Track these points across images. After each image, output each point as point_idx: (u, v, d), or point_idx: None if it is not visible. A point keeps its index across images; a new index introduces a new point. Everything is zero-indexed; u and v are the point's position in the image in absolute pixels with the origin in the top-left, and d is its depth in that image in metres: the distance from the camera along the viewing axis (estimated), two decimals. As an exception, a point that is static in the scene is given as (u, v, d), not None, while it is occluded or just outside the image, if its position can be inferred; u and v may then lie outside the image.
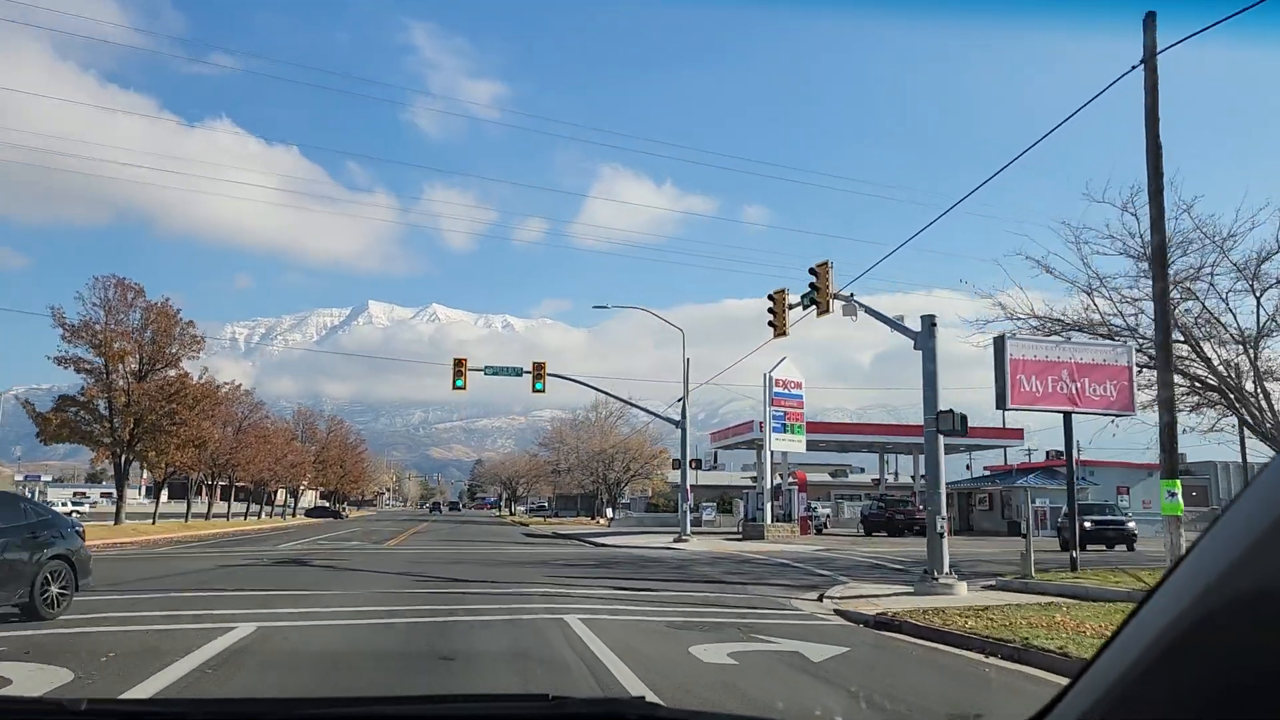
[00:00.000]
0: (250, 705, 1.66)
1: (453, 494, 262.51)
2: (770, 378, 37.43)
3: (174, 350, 40.42)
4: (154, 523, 43.19)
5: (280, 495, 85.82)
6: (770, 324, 23.42)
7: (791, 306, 23.43)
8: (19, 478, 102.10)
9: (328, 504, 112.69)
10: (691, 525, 36.30)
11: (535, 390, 34.30)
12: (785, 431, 37.50)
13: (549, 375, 34.82)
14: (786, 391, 37.79)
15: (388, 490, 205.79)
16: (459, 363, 33.87)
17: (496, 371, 35.16)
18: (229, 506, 63.63)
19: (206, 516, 52.79)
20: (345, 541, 33.35)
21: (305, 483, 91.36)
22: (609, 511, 66.38)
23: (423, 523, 67.62)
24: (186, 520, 48.21)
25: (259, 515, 72.11)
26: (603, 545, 33.12)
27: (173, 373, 40.28)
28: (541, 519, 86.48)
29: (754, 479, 57.01)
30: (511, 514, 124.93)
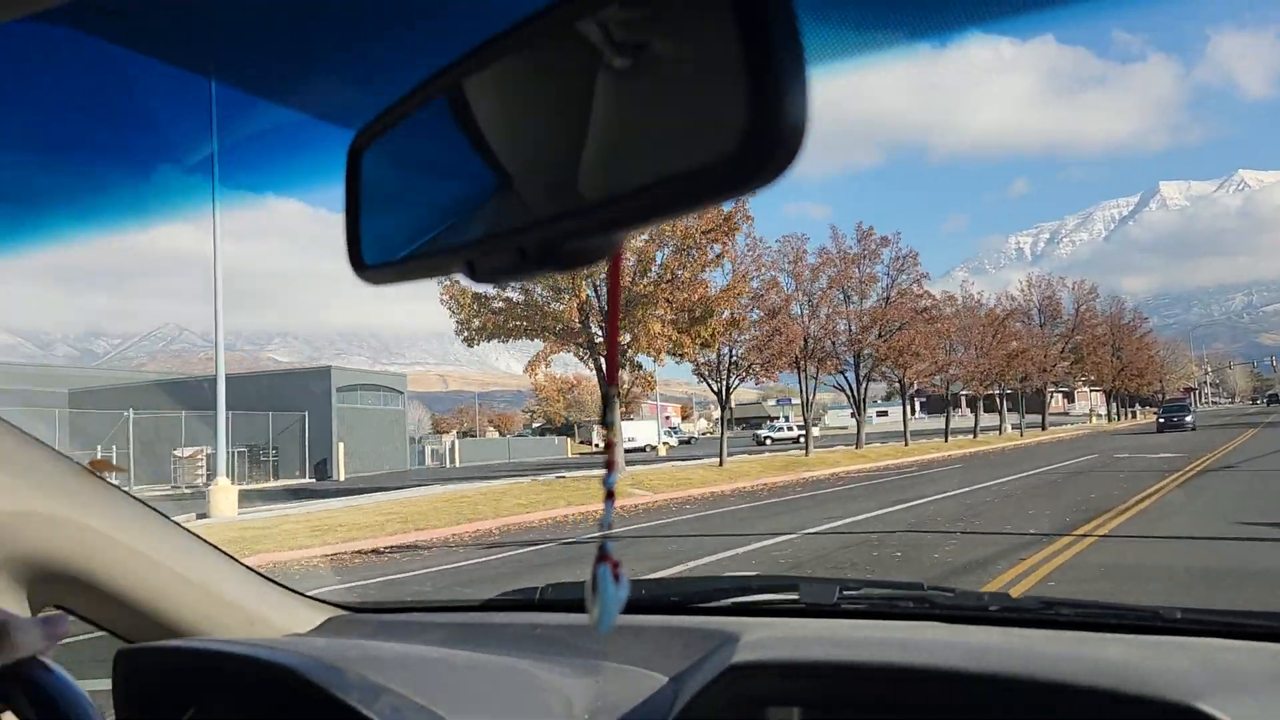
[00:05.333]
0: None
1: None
2: None
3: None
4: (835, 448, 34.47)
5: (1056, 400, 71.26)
6: None
7: None
8: (769, 400, 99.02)
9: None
10: None
11: None
12: None
13: None
14: None
15: (1204, 384, 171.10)
16: None
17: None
18: (1001, 419, 50.12)
19: (945, 437, 42.06)
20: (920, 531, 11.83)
21: (1078, 381, 75.40)
22: None
23: (1237, 437, 33.03)
24: (899, 443, 38.68)
25: (1021, 429, 57.63)
26: None
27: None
28: None
29: None
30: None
